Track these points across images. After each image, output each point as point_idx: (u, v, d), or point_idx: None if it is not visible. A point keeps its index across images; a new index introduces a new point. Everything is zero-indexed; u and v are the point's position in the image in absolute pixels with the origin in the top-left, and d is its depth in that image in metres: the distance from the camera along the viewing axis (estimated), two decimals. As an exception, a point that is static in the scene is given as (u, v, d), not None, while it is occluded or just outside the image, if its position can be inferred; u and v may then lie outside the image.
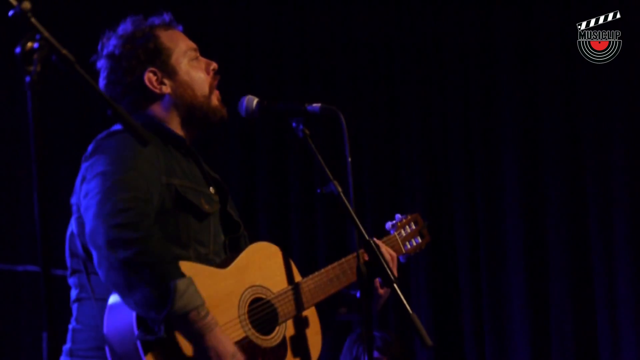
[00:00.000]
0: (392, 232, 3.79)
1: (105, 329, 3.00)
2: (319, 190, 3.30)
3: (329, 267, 3.46)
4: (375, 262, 3.14)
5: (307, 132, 3.33)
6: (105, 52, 3.36)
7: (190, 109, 3.34)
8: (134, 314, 2.94)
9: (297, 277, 3.39)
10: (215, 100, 3.38)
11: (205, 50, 3.52)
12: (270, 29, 6.73)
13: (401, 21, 6.59)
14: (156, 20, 3.42)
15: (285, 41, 6.72)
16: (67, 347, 3.18)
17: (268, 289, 3.27)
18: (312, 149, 3.30)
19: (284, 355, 3.27)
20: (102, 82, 3.35)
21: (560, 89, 6.24)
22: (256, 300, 3.22)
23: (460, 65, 6.49)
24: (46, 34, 2.20)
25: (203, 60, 3.42)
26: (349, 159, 3.25)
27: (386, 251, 3.54)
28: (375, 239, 3.58)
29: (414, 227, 3.83)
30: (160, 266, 2.91)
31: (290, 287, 3.32)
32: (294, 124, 3.34)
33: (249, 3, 6.72)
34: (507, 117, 6.34)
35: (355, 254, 3.31)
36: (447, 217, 6.42)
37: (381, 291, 3.49)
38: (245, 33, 6.74)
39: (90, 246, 2.96)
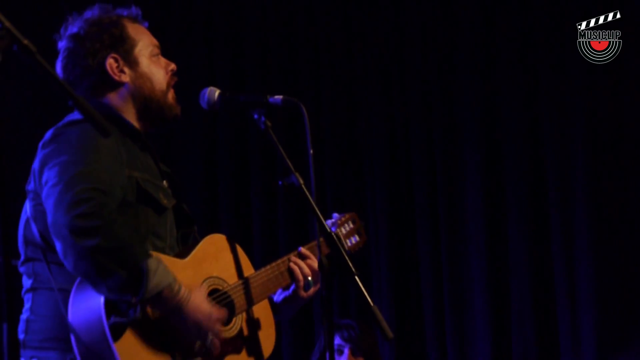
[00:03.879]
0: (333, 229, 3.75)
1: (70, 318, 2.99)
2: (280, 182, 3.31)
3: (279, 260, 3.50)
4: (337, 255, 3.15)
5: (268, 123, 3.35)
6: (68, 32, 3.32)
7: (147, 101, 3.33)
8: (101, 300, 2.94)
9: (250, 270, 3.43)
10: (170, 98, 3.38)
11: (167, 42, 3.51)
12: (231, 21, 6.71)
13: (366, 11, 6.59)
14: (124, 11, 3.41)
15: (246, 33, 6.71)
16: (19, 338, 3.15)
17: (224, 281, 3.31)
18: (273, 141, 3.31)
19: (242, 345, 3.31)
20: (60, 63, 3.32)
21: (522, 86, 6.26)
22: (214, 291, 3.26)
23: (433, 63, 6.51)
24: (7, 23, 2.19)
25: (163, 59, 3.42)
26: (311, 151, 3.26)
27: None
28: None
29: (352, 225, 3.85)
30: (129, 249, 2.93)
31: (244, 280, 3.36)
32: (255, 116, 3.35)
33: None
34: (468, 106, 6.38)
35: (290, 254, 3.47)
36: (408, 209, 6.43)
37: (304, 294, 3.51)
38: (207, 25, 6.72)
39: (53, 237, 2.95)
